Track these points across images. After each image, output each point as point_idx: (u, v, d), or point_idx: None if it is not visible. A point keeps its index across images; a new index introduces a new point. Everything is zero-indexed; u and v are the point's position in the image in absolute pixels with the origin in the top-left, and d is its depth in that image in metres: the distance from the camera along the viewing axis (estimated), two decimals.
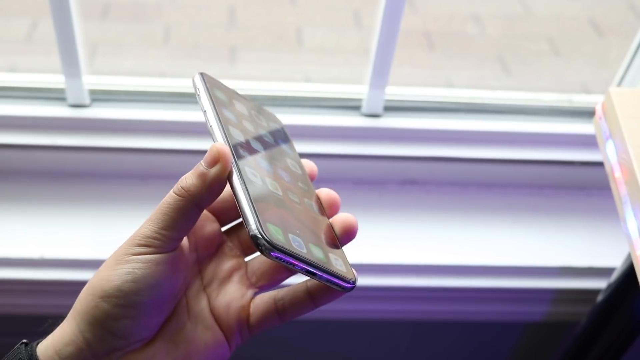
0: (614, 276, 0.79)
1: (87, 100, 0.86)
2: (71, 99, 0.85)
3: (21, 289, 0.85)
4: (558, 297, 0.92)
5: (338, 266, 0.39)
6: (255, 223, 0.35)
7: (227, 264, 0.44)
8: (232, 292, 0.43)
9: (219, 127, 0.40)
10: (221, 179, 0.38)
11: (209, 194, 0.38)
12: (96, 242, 0.84)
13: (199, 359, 0.40)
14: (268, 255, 0.35)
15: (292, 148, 0.47)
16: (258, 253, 0.38)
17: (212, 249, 0.44)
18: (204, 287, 0.43)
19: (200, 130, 0.87)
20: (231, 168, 0.38)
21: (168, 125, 0.87)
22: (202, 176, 0.38)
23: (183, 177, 0.38)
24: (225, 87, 0.46)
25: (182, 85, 0.89)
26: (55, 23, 0.79)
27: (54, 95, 0.86)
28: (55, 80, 0.86)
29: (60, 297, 0.85)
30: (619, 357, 0.83)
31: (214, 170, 0.37)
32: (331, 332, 1.00)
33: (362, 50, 1.47)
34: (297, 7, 1.71)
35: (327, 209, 0.43)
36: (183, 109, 0.87)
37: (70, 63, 0.82)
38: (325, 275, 0.38)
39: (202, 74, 0.44)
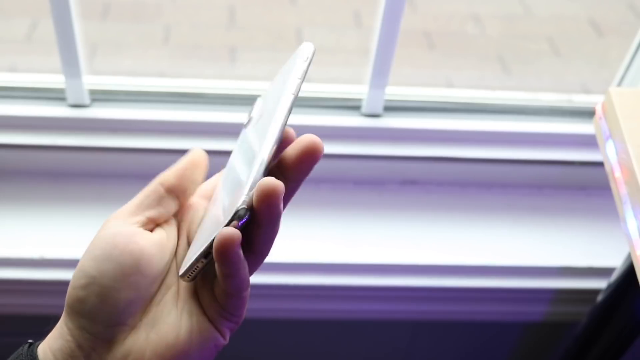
0: (614, 276, 0.79)
1: (87, 100, 0.86)
2: (71, 99, 0.85)
3: (21, 289, 0.85)
4: (558, 297, 0.92)
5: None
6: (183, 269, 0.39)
7: None
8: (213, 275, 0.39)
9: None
10: (186, 166, 0.42)
11: (169, 173, 0.41)
12: None
13: (185, 347, 0.38)
14: (190, 281, 0.39)
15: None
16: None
17: None
18: None
19: (200, 130, 0.87)
20: None
21: (168, 125, 0.87)
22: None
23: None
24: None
25: (182, 85, 0.89)
26: (55, 23, 0.79)
27: (54, 95, 0.86)
28: (55, 80, 0.86)
29: (60, 297, 0.84)
30: (619, 357, 0.83)
31: (182, 159, 0.42)
32: (331, 332, 1.00)
33: (362, 50, 1.47)
34: (297, 7, 1.71)
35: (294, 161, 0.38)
36: (183, 109, 0.87)
37: (70, 63, 0.82)
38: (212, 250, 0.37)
39: (312, 53, 0.39)
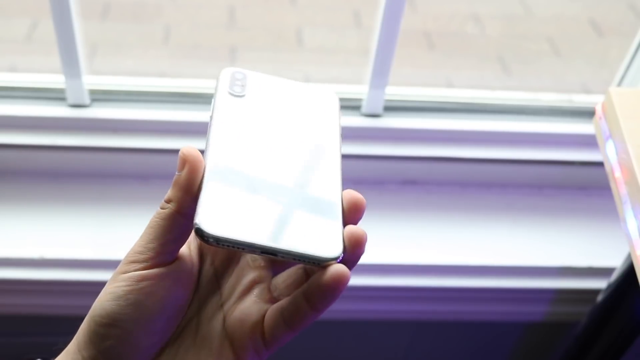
0: (614, 276, 0.79)
1: (87, 100, 0.86)
2: (71, 99, 0.85)
3: (21, 289, 0.85)
4: (558, 297, 0.92)
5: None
6: (198, 215, 0.36)
7: (249, 276, 0.41)
8: (248, 307, 0.39)
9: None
10: (192, 178, 0.37)
11: (186, 197, 0.37)
12: (96, 242, 0.84)
13: None
14: (209, 244, 0.36)
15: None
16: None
17: (232, 262, 0.41)
18: (222, 305, 0.40)
19: (200, 130, 0.87)
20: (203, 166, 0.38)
21: (168, 125, 0.87)
22: (175, 182, 0.37)
23: None
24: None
25: (182, 85, 0.89)
26: (55, 23, 0.79)
27: (54, 95, 0.86)
28: (55, 80, 0.86)
29: (60, 297, 0.85)
30: (619, 357, 0.83)
31: (183, 173, 0.37)
32: (331, 332, 1.00)
33: (362, 50, 1.47)
34: (297, 7, 1.71)
35: (347, 213, 0.43)
36: (183, 109, 0.87)
37: (70, 63, 0.82)
38: (283, 255, 0.36)
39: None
